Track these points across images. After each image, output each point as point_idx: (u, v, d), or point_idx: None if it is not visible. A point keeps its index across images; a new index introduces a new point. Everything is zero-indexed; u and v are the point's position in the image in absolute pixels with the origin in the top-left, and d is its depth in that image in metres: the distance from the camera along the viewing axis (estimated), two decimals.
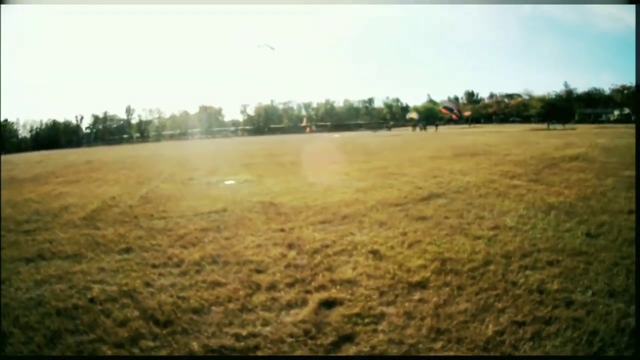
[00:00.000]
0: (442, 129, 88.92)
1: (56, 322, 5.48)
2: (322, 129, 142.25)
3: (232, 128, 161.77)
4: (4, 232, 10.32)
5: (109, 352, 4.80)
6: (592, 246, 7.49)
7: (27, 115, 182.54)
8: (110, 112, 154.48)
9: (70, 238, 9.62)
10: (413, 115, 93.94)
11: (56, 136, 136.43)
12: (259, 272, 7.08)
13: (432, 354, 4.58)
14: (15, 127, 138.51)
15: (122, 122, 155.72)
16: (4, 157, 61.53)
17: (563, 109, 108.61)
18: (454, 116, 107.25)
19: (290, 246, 8.38)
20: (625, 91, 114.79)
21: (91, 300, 6.18)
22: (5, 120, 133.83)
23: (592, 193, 11.94)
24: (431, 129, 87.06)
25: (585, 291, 5.75)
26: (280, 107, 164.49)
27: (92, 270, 7.42)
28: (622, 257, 6.86)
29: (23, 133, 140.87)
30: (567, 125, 77.00)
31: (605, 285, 5.90)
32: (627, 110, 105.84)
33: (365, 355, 4.49)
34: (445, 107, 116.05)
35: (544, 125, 77.12)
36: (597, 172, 15.59)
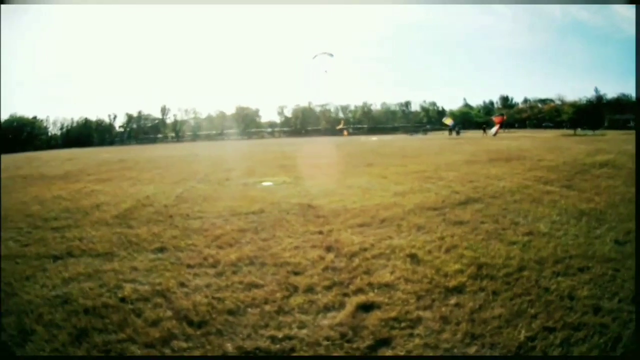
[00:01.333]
0: (476, 133, 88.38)
1: (83, 321, 5.38)
2: (358, 131, 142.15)
3: (269, 129, 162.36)
4: (31, 229, 10.30)
5: (139, 352, 4.70)
6: (620, 253, 7.49)
7: (60, 113, 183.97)
8: (145, 112, 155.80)
9: (102, 236, 9.56)
10: (448, 121, 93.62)
11: (88, 134, 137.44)
12: (296, 274, 6.99)
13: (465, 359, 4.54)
14: (45, 124, 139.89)
15: (156, 122, 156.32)
16: (31, 154, 62.14)
17: (593, 114, 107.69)
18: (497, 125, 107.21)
19: (329, 249, 8.28)
20: None
21: (122, 299, 6.09)
22: (34, 117, 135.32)
23: (621, 200, 11.83)
24: (477, 133, 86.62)
25: (612, 298, 5.79)
26: (318, 109, 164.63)
27: (124, 269, 7.34)
28: None
29: (53, 130, 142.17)
30: (597, 131, 76.19)
31: (630, 292, 5.92)
32: None
33: (365, 355, 4.42)
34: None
35: (568, 131, 76.32)
36: (625, 179, 15.42)
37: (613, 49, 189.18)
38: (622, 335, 4.79)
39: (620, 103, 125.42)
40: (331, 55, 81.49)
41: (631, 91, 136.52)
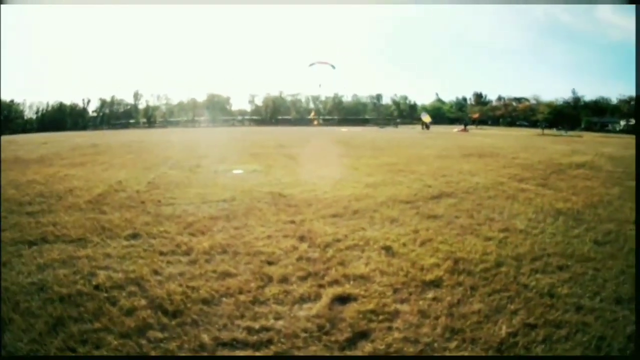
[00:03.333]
0: (447, 129, 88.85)
1: (59, 309, 5.32)
2: (329, 122, 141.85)
3: (239, 117, 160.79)
4: (6, 214, 10.17)
5: (115, 342, 4.64)
6: (600, 253, 7.53)
7: (35, 97, 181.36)
8: (118, 97, 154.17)
9: (75, 221, 9.49)
10: (427, 119, 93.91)
11: (62, 119, 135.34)
12: (270, 263, 6.98)
13: (447, 353, 4.55)
14: (21, 108, 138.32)
15: (129, 107, 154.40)
16: (8, 137, 61.45)
17: (570, 115, 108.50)
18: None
19: (302, 239, 8.29)
20: (632, 102, 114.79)
21: (96, 287, 6.04)
22: (12, 101, 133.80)
23: (599, 201, 11.90)
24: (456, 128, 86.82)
25: (593, 297, 5.82)
26: (289, 98, 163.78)
27: (98, 256, 7.28)
28: (628, 266, 6.90)
29: (29, 114, 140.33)
30: (571, 132, 76.64)
31: (612, 292, 5.96)
32: (633, 121, 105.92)
33: (365, 355, 4.38)
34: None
35: (550, 131, 76.76)
36: (604, 181, 15.55)
37: (593, 52, 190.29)
38: (606, 335, 4.82)
39: (598, 106, 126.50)
40: (333, 67, 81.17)
41: (610, 94, 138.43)
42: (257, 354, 4.53)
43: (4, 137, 54.55)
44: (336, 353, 4.54)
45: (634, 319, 5.15)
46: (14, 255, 7.31)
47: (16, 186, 14.08)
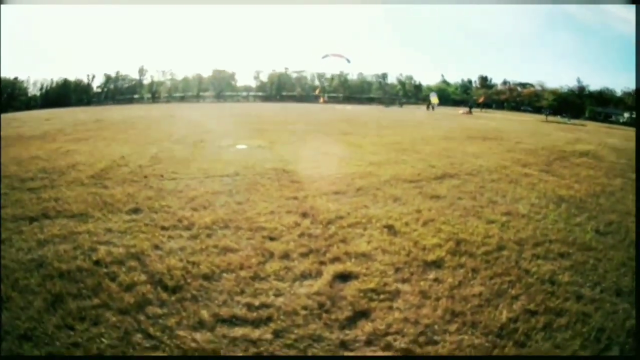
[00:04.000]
0: (452, 110, 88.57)
1: (58, 285, 5.31)
2: (334, 100, 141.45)
3: (244, 93, 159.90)
4: (7, 190, 10.12)
5: (113, 319, 4.61)
6: (602, 243, 7.46)
7: (39, 74, 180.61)
8: (123, 72, 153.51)
9: (77, 197, 9.48)
10: (435, 100, 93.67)
11: (66, 95, 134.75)
12: (272, 239, 7.00)
13: (447, 336, 4.51)
14: (25, 85, 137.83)
15: (134, 82, 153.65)
16: (12, 115, 61.36)
17: (574, 104, 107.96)
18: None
19: (304, 215, 8.30)
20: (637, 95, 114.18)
21: (96, 262, 6.03)
22: (15, 78, 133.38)
23: (602, 191, 11.74)
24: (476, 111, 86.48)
25: (594, 287, 5.77)
26: (294, 75, 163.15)
27: (99, 231, 7.27)
28: (629, 258, 6.82)
29: (33, 91, 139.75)
30: (575, 120, 75.70)
31: (613, 283, 5.91)
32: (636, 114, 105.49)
33: (365, 355, 4.27)
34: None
35: (554, 118, 76.00)
36: (607, 171, 15.32)
37: (599, 43, 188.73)
38: (605, 327, 4.76)
39: (603, 96, 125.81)
40: (348, 60, 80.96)
41: (615, 86, 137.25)
42: (256, 331, 4.49)
43: (8, 115, 54.53)
44: (336, 332, 4.51)
45: (634, 314, 5.11)
46: (15, 232, 7.26)
47: (18, 162, 13.98)
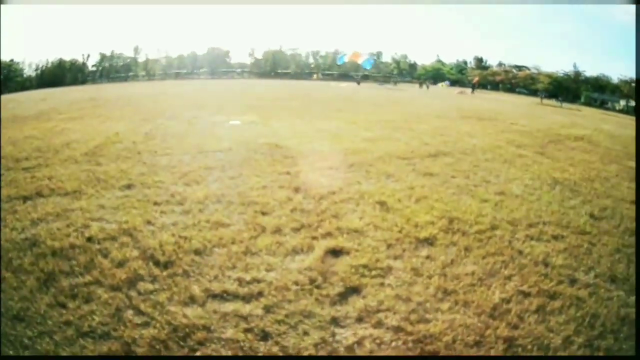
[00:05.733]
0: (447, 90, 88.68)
1: (51, 264, 5.32)
2: (328, 77, 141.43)
3: (239, 70, 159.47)
4: (3, 171, 10.03)
5: (105, 296, 4.63)
6: (596, 228, 7.46)
7: (35, 56, 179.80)
8: (118, 51, 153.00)
9: (71, 174, 9.48)
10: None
11: (62, 74, 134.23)
12: (264, 214, 7.07)
13: (439, 314, 4.52)
14: (20, 66, 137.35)
15: (128, 61, 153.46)
16: (7, 96, 61.12)
17: (570, 88, 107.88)
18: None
19: (296, 190, 8.37)
20: (633, 84, 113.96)
21: (89, 239, 6.04)
22: (11, 60, 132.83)
23: (596, 176, 11.68)
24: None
25: (588, 272, 5.76)
26: (289, 52, 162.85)
27: (92, 208, 7.30)
28: (624, 245, 6.80)
29: (28, 72, 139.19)
30: (569, 105, 75.34)
31: (607, 269, 5.88)
32: (632, 103, 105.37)
33: (365, 355, 4.19)
34: None
35: (549, 101, 75.48)
36: (602, 157, 15.22)
37: (597, 29, 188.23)
38: (599, 313, 4.74)
39: (598, 82, 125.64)
40: (371, 59, 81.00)
41: (611, 73, 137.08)
42: (247, 306, 4.52)
43: (4, 97, 54.28)
44: (327, 308, 4.53)
45: (629, 301, 5.10)
46: (9, 212, 7.25)
47: (13, 142, 13.89)
